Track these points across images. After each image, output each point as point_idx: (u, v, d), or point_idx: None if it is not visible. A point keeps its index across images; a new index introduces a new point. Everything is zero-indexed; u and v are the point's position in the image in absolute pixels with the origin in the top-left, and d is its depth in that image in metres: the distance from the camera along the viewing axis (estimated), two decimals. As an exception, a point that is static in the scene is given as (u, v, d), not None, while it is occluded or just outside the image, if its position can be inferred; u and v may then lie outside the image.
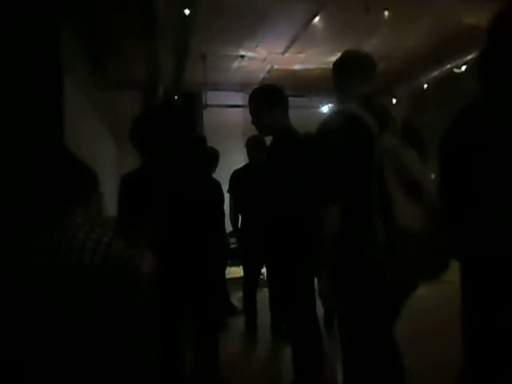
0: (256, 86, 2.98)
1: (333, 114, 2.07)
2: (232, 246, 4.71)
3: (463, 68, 6.41)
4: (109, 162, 6.85)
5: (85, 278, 1.36)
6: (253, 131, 2.88)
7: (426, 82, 7.34)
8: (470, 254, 1.85)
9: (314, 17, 5.19)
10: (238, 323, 4.23)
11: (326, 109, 8.46)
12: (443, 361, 2.94)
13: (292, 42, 5.99)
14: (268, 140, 2.80)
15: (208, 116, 7.64)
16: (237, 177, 4.20)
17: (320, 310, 4.21)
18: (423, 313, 3.55)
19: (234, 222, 4.21)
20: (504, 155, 1.74)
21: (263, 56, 6.53)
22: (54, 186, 1.45)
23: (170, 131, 2.63)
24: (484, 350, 1.80)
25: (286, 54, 6.43)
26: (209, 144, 4.46)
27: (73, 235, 1.39)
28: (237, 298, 4.70)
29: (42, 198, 1.47)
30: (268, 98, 2.61)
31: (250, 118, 2.68)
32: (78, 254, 1.36)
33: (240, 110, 7.30)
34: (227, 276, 4.71)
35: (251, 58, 6.59)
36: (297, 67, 7.07)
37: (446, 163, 1.88)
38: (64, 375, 1.34)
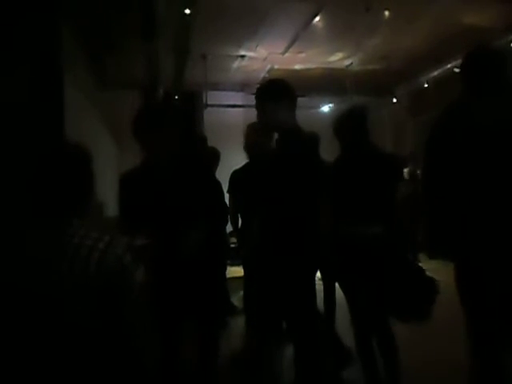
0: (257, 86, 2.96)
1: None
2: (232, 246, 4.70)
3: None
4: (109, 161, 6.85)
5: (79, 286, 1.32)
6: (253, 131, 2.87)
7: (426, 82, 7.33)
8: (459, 252, 1.87)
9: (314, 17, 5.19)
10: (238, 323, 4.23)
11: (326, 108, 8.47)
12: (444, 359, 2.95)
13: (292, 42, 5.99)
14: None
15: (208, 116, 7.64)
16: (236, 177, 4.19)
17: (320, 309, 4.21)
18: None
19: (233, 222, 4.20)
20: (491, 156, 1.79)
21: (263, 56, 6.53)
22: (52, 189, 1.40)
23: (171, 129, 2.62)
24: (488, 346, 1.85)
25: (287, 54, 6.43)
26: (209, 144, 4.46)
27: (67, 242, 1.34)
28: (237, 297, 4.70)
29: (39, 202, 1.43)
30: (274, 93, 2.49)
31: (250, 117, 2.66)
32: (71, 262, 1.32)
33: (240, 109, 7.29)
34: (227, 276, 4.71)
35: (251, 58, 6.59)
36: (297, 67, 7.07)
37: (430, 163, 1.94)
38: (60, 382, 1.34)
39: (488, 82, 1.93)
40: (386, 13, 5.10)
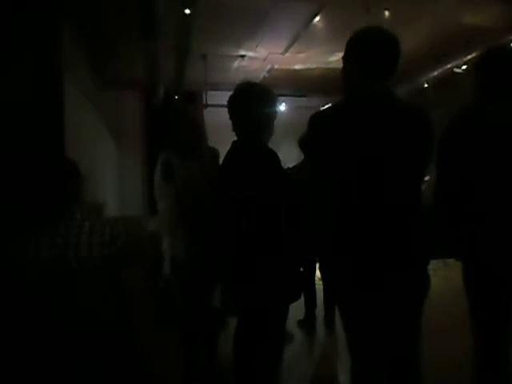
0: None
1: None
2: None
3: (463, 68, 6.41)
4: (109, 161, 6.85)
5: (95, 268, 1.41)
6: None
7: (426, 82, 7.33)
8: (470, 252, 1.90)
9: (314, 17, 5.19)
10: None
11: (326, 109, 8.46)
12: (445, 358, 2.95)
13: (292, 42, 5.99)
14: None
15: (208, 116, 7.63)
16: None
17: (320, 309, 4.22)
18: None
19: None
20: (500, 156, 1.81)
21: (264, 56, 6.53)
22: (47, 184, 1.49)
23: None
24: (493, 345, 1.87)
25: (287, 54, 6.43)
26: (209, 144, 4.45)
27: (78, 231, 1.43)
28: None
29: (37, 197, 1.51)
30: None
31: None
32: (87, 247, 1.40)
33: (240, 109, 7.28)
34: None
35: (252, 58, 6.59)
36: (297, 67, 7.07)
37: (443, 164, 1.95)
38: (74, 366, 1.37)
39: (502, 84, 1.93)
40: (386, 13, 5.10)
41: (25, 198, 1.61)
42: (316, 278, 4.22)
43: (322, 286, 4.18)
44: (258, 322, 2.04)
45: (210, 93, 7.49)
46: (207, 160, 3.19)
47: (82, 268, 1.39)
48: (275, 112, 2.23)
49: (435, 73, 7.03)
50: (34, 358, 1.35)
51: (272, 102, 2.20)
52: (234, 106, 2.19)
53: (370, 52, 1.76)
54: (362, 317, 1.73)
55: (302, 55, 6.53)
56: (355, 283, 1.69)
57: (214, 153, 4.40)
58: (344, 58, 1.83)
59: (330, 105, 1.84)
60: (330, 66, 6.97)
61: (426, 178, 1.82)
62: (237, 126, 2.17)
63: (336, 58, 6.74)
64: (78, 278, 1.39)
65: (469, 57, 6.12)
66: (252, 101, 2.15)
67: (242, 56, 6.51)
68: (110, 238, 1.46)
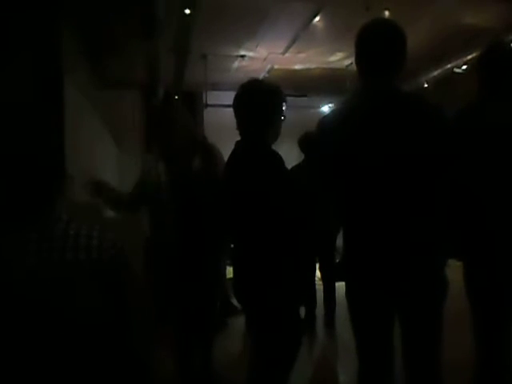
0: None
1: None
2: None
3: (463, 68, 6.41)
4: (109, 161, 6.84)
5: (83, 275, 1.34)
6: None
7: (426, 82, 7.33)
8: (471, 252, 1.89)
9: (314, 17, 5.18)
10: (239, 323, 4.24)
11: (326, 108, 8.46)
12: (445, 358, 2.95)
13: (292, 42, 5.98)
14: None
15: (208, 116, 7.64)
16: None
17: (320, 309, 4.22)
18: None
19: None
20: (501, 155, 1.81)
21: (264, 56, 6.53)
22: (27, 182, 1.42)
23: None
24: (494, 345, 1.86)
25: (287, 54, 6.43)
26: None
27: (63, 234, 1.36)
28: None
29: (18, 197, 1.44)
30: None
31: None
32: (73, 251, 1.34)
33: (240, 109, 7.28)
34: (227, 276, 4.71)
35: (251, 58, 6.59)
36: (297, 67, 7.07)
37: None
38: (63, 374, 1.34)
39: (503, 81, 1.93)
40: (386, 13, 5.09)
41: (5, 199, 1.52)
42: (316, 278, 4.23)
43: (321, 286, 4.19)
44: (273, 332, 1.95)
45: (209, 93, 7.49)
46: (198, 158, 3.16)
47: (68, 273, 1.33)
48: (282, 112, 2.11)
49: (435, 73, 7.02)
50: (27, 361, 1.33)
51: (279, 101, 2.09)
52: (238, 104, 2.08)
53: (375, 49, 1.79)
54: (374, 321, 1.71)
55: (302, 55, 6.52)
56: (368, 287, 1.67)
57: (213, 150, 4.38)
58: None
59: (338, 105, 1.87)
60: (330, 66, 6.97)
61: None
62: (240, 125, 2.11)
63: (336, 58, 6.74)
64: (65, 284, 1.33)
65: (469, 57, 6.12)
66: (258, 99, 2.03)
67: (242, 56, 6.50)
68: (98, 243, 1.37)
